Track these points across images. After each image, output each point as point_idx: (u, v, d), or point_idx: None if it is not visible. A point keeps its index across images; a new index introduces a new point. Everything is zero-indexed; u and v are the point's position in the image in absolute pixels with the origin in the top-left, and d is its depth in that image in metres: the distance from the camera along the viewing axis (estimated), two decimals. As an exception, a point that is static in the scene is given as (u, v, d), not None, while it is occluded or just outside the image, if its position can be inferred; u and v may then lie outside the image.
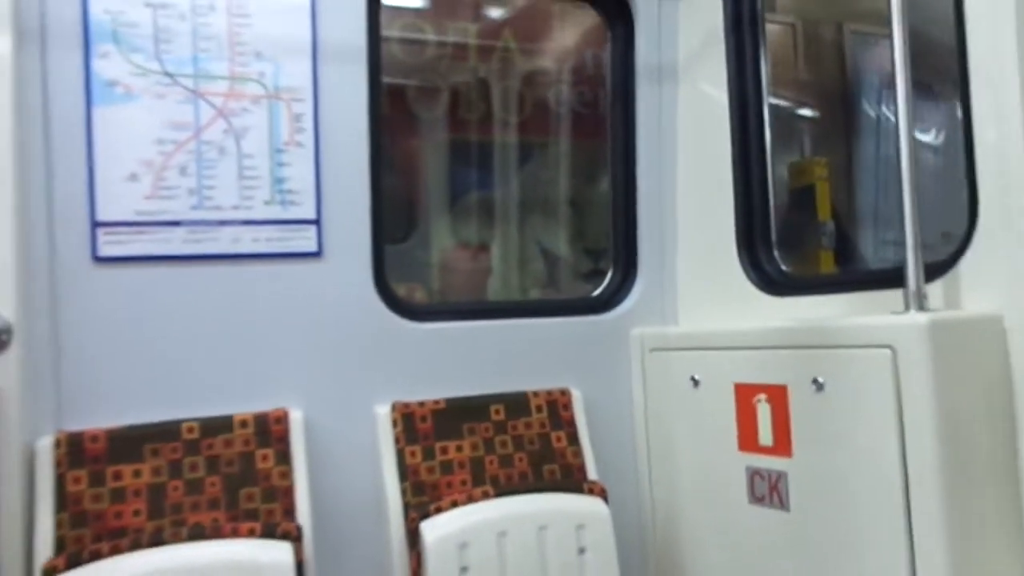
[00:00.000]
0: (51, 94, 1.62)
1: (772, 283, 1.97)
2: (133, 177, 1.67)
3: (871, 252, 2.69)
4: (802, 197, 2.48)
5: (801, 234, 2.48)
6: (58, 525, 1.54)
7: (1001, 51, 1.45)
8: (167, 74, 1.70)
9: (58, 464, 1.57)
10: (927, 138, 2.51)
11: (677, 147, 2.20)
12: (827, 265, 2.41)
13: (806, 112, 3.05)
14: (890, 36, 1.53)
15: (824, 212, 2.42)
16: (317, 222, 1.82)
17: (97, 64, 1.65)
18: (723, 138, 2.05)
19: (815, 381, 1.57)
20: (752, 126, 2.02)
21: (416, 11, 2.73)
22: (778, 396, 1.66)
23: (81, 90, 1.64)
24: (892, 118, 2.43)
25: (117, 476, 1.60)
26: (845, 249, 2.44)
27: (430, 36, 2.75)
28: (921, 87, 2.14)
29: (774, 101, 2.83)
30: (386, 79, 2.17)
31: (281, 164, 1.77)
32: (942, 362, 1.38)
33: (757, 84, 2.03)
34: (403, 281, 2.60)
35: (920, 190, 1.52)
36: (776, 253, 2.01)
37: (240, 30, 1.75)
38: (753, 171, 2.01)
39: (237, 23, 1.75)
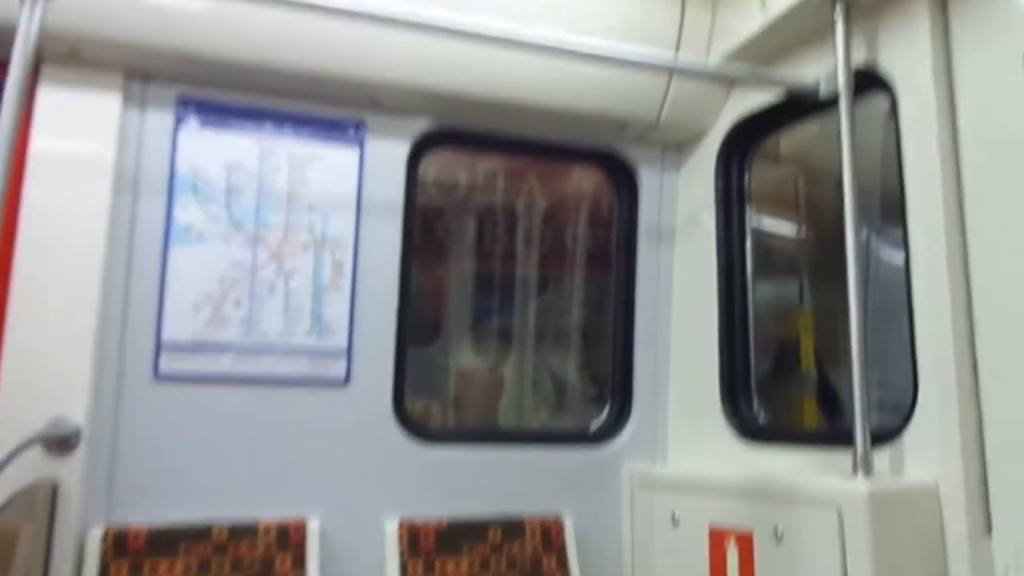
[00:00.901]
0: (136, 235, 1.93)
1: (750, 433, 2.16)
2: (196, 307, 1.96)
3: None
4: (789, 346, 2.69)
5: (788, 380, 2.68)
6: (98, 611, 1.75)
7: (933, 243, 1.64)
8: (233, 222, 2.00)
9: (104, 554, 1.79)
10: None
11: (672, 302, 2.43)
12: (810, 412, 2.59)
13: (805, 258, 3.31)
14: (843, 230, 1.77)
15: (807, 362, 2.62)
16: (348, 352, 2.07)
17: (178, 212, 1.96)
18: (712, 298, 2.29)
19: (775, 530, 1.75)
20: (737, 292, 2.25)
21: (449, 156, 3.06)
22: (745, 542, 1.83)
23: (161, 232, 1.95)
24: (882, 260, 2.67)
25: (154, 568, 1.82)
26: (827, 398, 2.62)
27: (461, 178, 3.08)
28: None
29: (778, 241, 3.08)
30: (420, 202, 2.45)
31: (321, 303, 2.05)
32: (881, 525, 1.56)
33: (742, 254, 2.27)
34: (422, 397, 2.83)
35: (870, 361, 1.72)
36: (755, 406, 2.22)
37: (298, 187, 2.06)
38: (737, 333, 2.24)
39: (296, 182, 2.06)
